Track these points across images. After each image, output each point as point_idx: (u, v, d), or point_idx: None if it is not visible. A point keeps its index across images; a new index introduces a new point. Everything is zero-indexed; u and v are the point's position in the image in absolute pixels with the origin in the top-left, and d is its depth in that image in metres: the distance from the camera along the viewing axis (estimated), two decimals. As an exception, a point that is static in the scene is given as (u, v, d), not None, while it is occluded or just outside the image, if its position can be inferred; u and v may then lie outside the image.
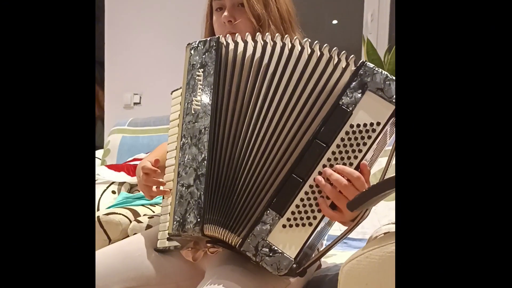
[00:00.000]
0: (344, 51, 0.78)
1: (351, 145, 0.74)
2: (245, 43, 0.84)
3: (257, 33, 0.85)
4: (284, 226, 0.75)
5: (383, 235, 0.71)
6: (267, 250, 0.75)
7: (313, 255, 0.82)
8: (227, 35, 0.88)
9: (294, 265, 0.74)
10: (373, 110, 0.74)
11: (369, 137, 0.74)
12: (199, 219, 0.80)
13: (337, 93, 0.77)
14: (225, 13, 0.97)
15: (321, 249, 0.81)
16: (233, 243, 0.79)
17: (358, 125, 0.74)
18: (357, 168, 0.74)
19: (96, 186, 1.71)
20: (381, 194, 0.65)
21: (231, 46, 0.85)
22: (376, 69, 0.76)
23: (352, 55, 0.78)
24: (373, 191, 0.65)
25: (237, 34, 0.87)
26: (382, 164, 1.46)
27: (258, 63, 0.82)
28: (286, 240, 0.75)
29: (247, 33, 0.86)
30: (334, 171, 0.73)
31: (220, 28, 1.00)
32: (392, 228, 0.79)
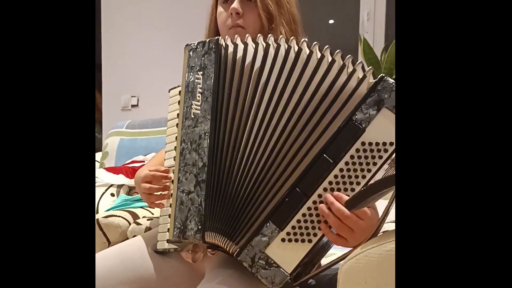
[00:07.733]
0: (360, 61, 0.74)
1: (360, 164, 0.70)
2: (245, 45, 0.81)
3: (258, 35, 0.82)
4: (283, 240, 0.73)
5: (381, 233, 0.71)
6: (264, 262, 0.73)
7: (314, 270, 0.79)
8: (226, 36, 0.85)
9: (289, 280, 0.73)
10: (388, 129, 0.69)
11: (380, 157, 0.70)
12: (200, 227, 0.79)
13: (351, 106, 0.72)
14: (234, 5, 0.93)
15: (324, 264, 0.78)
16: (231, 251, 0.78)
17: (370, 144, 0.70)
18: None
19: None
20: (380, 192, 0.65)
21: (231, 48, 0.82)
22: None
23: (370, 67, 0.74)
24: (371, 189, 0.65)
25: (236, 36, 0.84)
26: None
27: (260, 66, 0.79)
28: (284, 254, 0.73)
29: (247, 35, 0.83)
30: (335, 198, 0.69)
31: (225, 21, 0.96)
32: (391, 226, 0.79)
